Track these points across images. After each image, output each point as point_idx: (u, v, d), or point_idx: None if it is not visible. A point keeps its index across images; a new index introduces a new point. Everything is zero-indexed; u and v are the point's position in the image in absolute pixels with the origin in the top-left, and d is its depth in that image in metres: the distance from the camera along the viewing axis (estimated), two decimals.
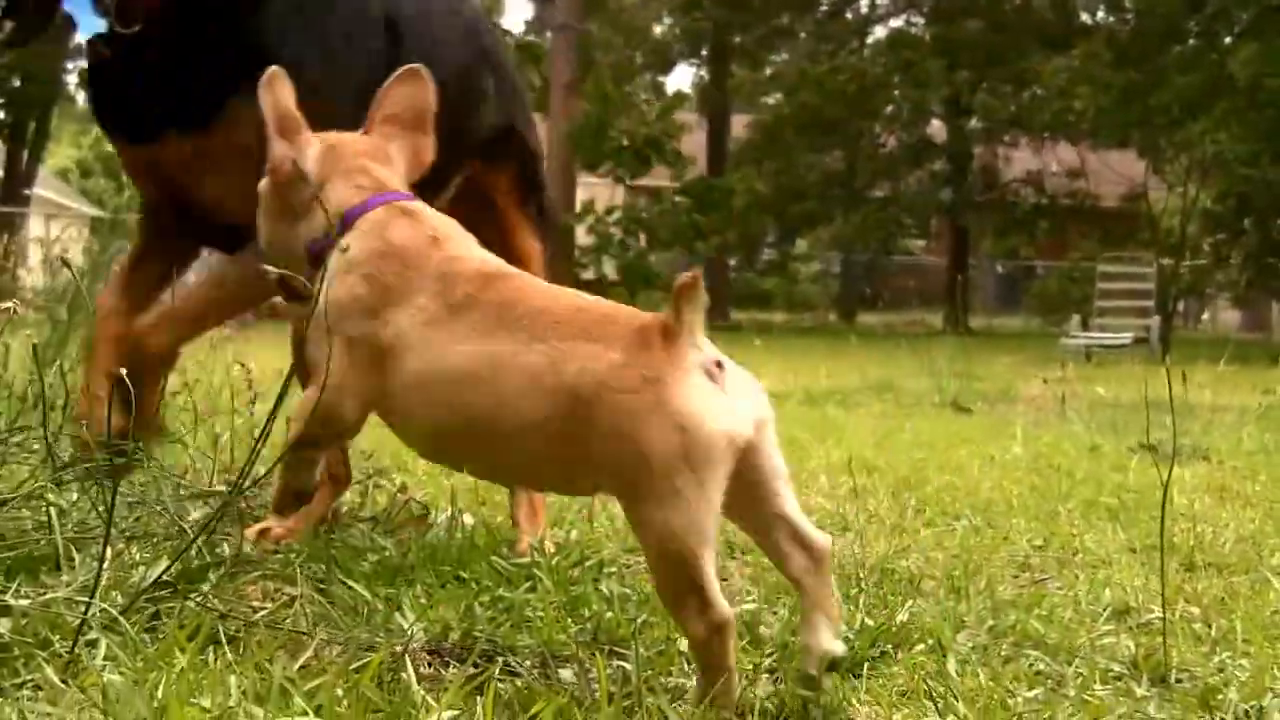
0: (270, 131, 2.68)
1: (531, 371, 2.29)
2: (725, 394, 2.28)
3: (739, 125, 43.79)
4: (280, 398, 2.84)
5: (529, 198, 3.93)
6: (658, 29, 46.34)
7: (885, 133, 42.30)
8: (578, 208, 33.86)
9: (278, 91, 2.69)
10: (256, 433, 4.32)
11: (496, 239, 3.62)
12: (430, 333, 2.44)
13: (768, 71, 45.83)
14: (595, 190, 35.34)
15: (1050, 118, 36.10)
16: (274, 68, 2.71)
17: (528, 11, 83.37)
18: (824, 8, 43.49)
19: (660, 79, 47.72)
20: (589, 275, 34.23)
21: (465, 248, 2.61)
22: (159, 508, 3.43)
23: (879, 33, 44.28)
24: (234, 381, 6.38)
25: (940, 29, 40.09)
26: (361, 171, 2.67)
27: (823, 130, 39.85)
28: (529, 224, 3.92)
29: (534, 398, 2.29)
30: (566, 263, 32.88)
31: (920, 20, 43.67)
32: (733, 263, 43.71)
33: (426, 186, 3.17)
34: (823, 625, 2.39)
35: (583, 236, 33.64)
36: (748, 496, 2.36)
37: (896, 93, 41.08)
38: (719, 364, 2.30)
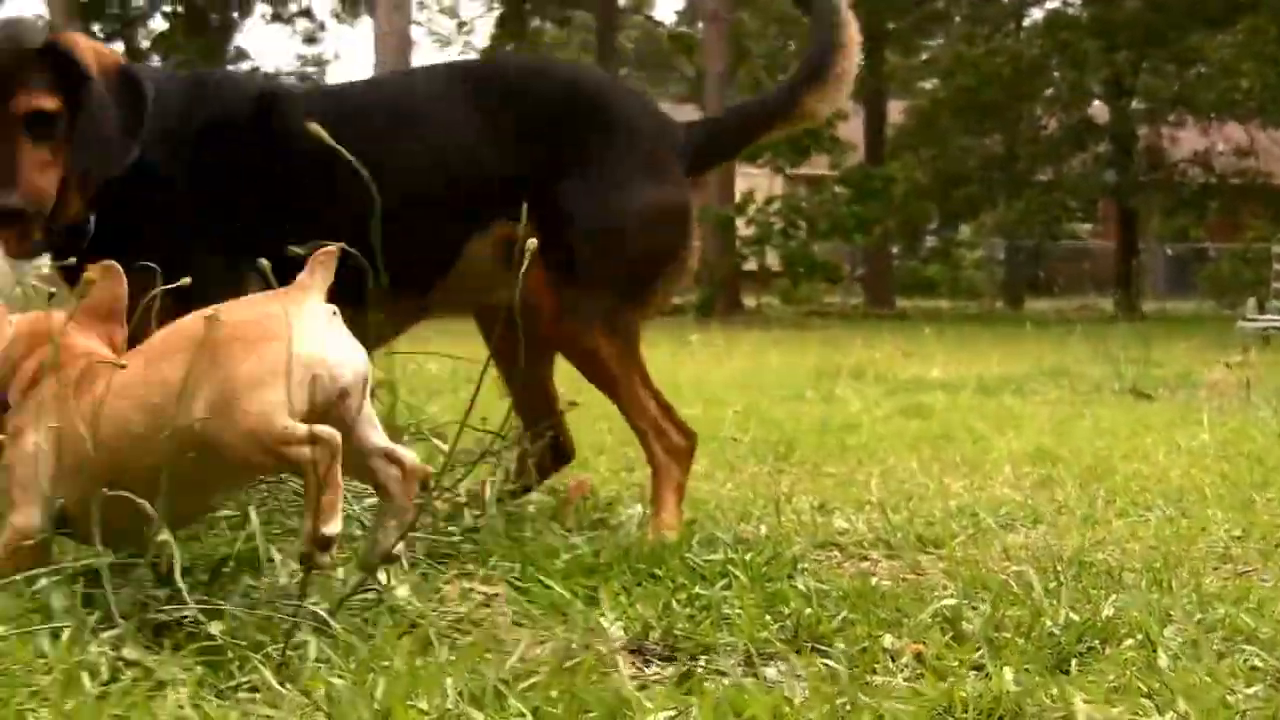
0: None
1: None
2: (334, 332, 2.75)
3: (895, 111, 43.37)
4: (473, 397, 2.85)
5: (550, 248, 3.90)
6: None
7: (1045, 115, 41.67)
8: (737, 198, 33.73)
9: None
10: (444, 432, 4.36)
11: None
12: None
13: (923, 56, 45.43)
14: (755, 180, 35.14)
15: (1216, 96, 35.39)
16: None
17: (679, 2, 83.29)
18: None
19: None
20: (750, 266, 34.13)
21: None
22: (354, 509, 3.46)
23: (1035, 15, 43.68)
24: (411, 380, 6.45)
25: (1098, 9, 39.37)
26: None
27: (981, 114, 39.38)
28: (548, 273, 3.90)
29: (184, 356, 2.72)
30: (729, 255, 32.80)
31: (1077, 1, 43.00)
32: (895, 250, 43.36)
33: (433, 263, 4.00)
34: (392, 526, 2.78)
35: (744, 228, 33.51)
36: (347, 436, 2.70)
37: (1055, 74, 40.47)
38: (335, 313, 2.76)
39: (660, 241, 4.05)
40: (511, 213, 3.71)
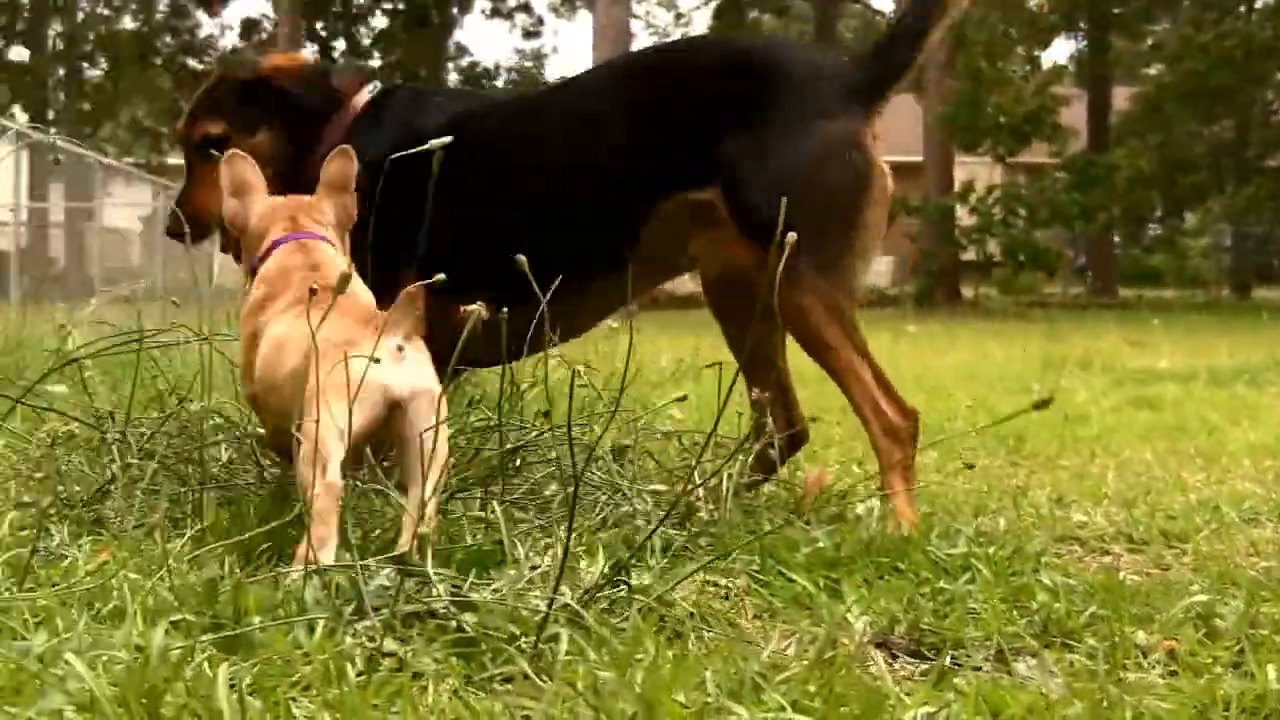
0: (226, 192, 3.64)
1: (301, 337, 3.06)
2: (394, 365, 3.03)
3: (1120, 98, 42.57)
4: (729, 389, 2.84)
5: (739, 212, 3.99)
6: (1033, 2, 45.41)
7: (1278, 99, 40.61)
8: (956, 187, 33.40)
9: (235, 166, 3.64)
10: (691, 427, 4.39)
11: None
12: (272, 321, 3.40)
13: (1148, 41, 44.53)
14: (974, 170, 34.75)
15: None
16: (231, 151, 3.71)
17: None
18: None
19: (1037, 53, 46.89)
20: (970, 256, 33.75)
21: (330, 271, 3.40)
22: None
23: None
24: (642, 370, 6.48)
25: None
26: (290, 220, 3.61)
27: (1210, 99, 38.50)
28: (748, 240, 3.96)
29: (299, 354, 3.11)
30: (948, 244, 32.50)
31: None
32: (1117, 239, 42.59)
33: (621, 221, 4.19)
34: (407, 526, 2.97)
35: (964, 217, 33.14)
36: (401, 442, 3.08)
37: None
38: (400, 348, 3.06)
39: (842, 176, 3.98)
40: (691, 180, 4.05)
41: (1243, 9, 41.92)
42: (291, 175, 4.16)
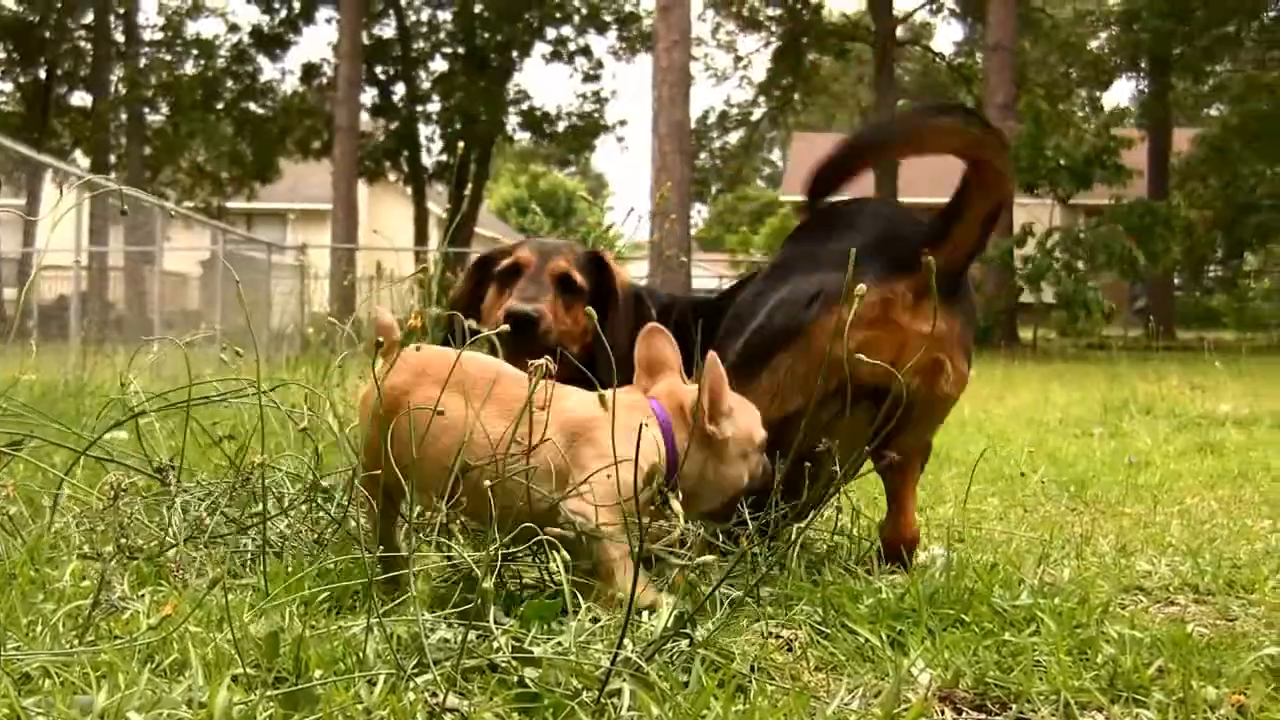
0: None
1: None
2: None
3: (1183, 140, 42.36)
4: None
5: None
6: (1094, 44, 45.30)
7: None
8: (1015, 230, 33.23)
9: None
10: None
11: None
12: None
13: (1210, 83, 44.34)
14: (1035, 211, 34.48)
15: None
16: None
17: (958, 33, 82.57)
18: (1272, 13, 41.63)
19: (1097, 95, 46.76)
20: (1027, 298, 33.55)
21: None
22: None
23: None
24: None
25: None
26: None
27: (1275, 139, 38.19)
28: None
29: None
30: (1007, 287, 32.34)
31: None
32: (1177, 281, 42.33)
33: None
34: None
35: (1023, 261, 32.92)
36: None
37: None
38: None
39: (780, 321, 4.03)
40: None
41: None
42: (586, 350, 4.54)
